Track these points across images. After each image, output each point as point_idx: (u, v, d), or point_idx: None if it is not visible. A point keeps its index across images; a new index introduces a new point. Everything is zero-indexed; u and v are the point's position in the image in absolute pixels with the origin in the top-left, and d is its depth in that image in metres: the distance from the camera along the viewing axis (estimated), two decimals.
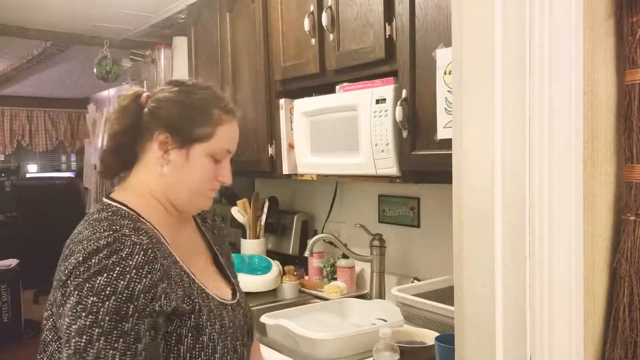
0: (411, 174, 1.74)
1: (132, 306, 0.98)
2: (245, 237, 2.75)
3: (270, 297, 2.38)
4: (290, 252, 2.74)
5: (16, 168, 7.37)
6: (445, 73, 1.54)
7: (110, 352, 0.96)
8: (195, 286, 1.13)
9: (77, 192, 5.60)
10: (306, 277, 2.57)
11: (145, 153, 1.16)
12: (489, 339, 0.98)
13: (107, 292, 0.97)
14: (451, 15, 1.07)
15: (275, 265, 2.49)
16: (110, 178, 1.23)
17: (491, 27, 0.97)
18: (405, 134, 1.69)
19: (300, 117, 2.10)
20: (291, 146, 2.22)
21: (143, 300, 1.00)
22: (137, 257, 1.01)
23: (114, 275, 0.98)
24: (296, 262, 2.62)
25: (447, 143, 1.44)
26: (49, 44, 4.18)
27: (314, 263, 2.53)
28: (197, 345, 1.08)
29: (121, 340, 0.97)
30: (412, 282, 2.13)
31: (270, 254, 2.72)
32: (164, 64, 3.59)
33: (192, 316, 1.08)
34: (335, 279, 2.42)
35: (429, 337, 1.63)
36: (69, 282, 1.01)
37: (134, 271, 1.00)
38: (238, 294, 1.27)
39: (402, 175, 1.76)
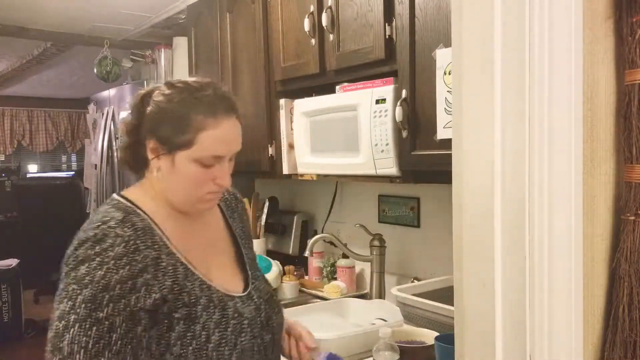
0: (411, 174, 1.74)
1: (107, 295, 1.01)
2: None
3: None
4: (290, 252, 2.74)
5: (16, 168, 7.38)
6: (445, 73, 1.54)
7: (84, 338, 0.99)
8: (193, 277, 1.13)
9: (77, 192, 5.59)
10: (306, 277, 2.57)
11: (148, 157, 1.16)
12: (488, 339, 0.99)
13: (86, 281, 1.01)
14: (451, 15, 1.07)
15: (275, 265, 2.49)
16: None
17: (491, 28, 0.97)
18: (405, 134, 1.69)
19: (300, 117, 2.10)
20: (291, 146, 2.22)
21: (119, 291, 1.02)
22: (117, 248, 1.04)
23: (94, 265, 1.02)
24: (296, 262, 2.62)
25: (447, 143, 1.45)
26: (49, 44, 4.18)
27: (314, 263, 2.54)
28: (189, 334, 1.08)
29: (94, 328, 1.00)
30: (412, 282, 2.13)
31: (271, 253, 2.72)
32: (164, 64, 3.59)
33: (183, 306, 1.09)
34: (335, 278, 2.42)
35: (429, 337, 1.63)
36: (63, 268, 1.06)
37: (112, 262, 1.03)
38: (250, 287, 1.25)
39: (402, 175, 1.76)
